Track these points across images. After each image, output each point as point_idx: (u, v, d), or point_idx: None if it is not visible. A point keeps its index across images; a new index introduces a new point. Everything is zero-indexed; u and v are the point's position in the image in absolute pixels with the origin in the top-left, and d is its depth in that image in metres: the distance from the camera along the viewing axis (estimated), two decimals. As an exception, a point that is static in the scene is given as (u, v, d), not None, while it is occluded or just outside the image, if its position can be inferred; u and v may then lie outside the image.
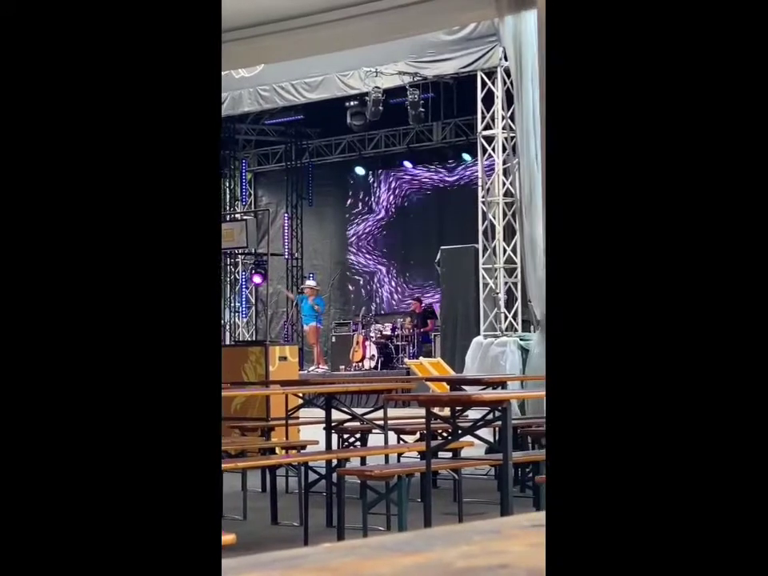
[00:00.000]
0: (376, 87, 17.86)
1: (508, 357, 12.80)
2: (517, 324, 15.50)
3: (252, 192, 25.22)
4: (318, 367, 21.50)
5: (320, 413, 8.64)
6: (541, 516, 1.27)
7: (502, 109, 15.48)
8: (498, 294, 15.69)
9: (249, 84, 17.93)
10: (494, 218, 15.88)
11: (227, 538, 3.82)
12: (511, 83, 12.56)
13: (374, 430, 9.15)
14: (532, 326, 12.68)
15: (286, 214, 25.05)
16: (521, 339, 13.05)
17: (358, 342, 21.46)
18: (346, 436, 9.52)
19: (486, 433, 7.99)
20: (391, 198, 24.12)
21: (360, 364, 21.15)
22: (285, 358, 12.28)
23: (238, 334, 23.93)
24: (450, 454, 8.89)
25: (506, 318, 15.50)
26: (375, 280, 24.39)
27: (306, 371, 20.24)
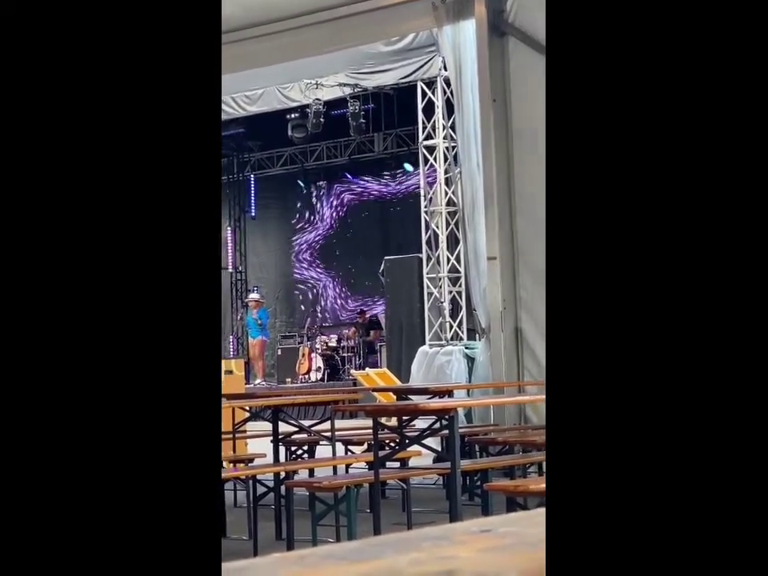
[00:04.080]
0: (317, 99, 17.85)
1: (454, 365, 12.80)
2: (462, 333, 15.53)
3: (194, 206, 25.06)
4: (263, 381, 21.40)
5: (267, 426, 8.61)
6: (489, 521, 1.28)
7: (443, 118, 15.53)
8: (442, 303, 15.72)
9: (189, 98, 17.83)
10: (437, 227, 15.92)
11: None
12: (451, 93, 12.60)
13: (321, 442, 9.13)
14: (477, 335, 12.71)
15: (228, 228, 24.95)
16: (466, 348, 13.06)
17: (303, 354, 21.40)
18: (293, 448, 9.49)
19: (433, 442, 8.00)
20: (334, 209, 24.11)
21: (306, 376, 21.08)
22: (231, 372, 12.21)
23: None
24: (398, 464, 8.89)
25: (451, 327, 15.53)
26: (320, 291, 24.36)
27: (252, 384, 20.16)
